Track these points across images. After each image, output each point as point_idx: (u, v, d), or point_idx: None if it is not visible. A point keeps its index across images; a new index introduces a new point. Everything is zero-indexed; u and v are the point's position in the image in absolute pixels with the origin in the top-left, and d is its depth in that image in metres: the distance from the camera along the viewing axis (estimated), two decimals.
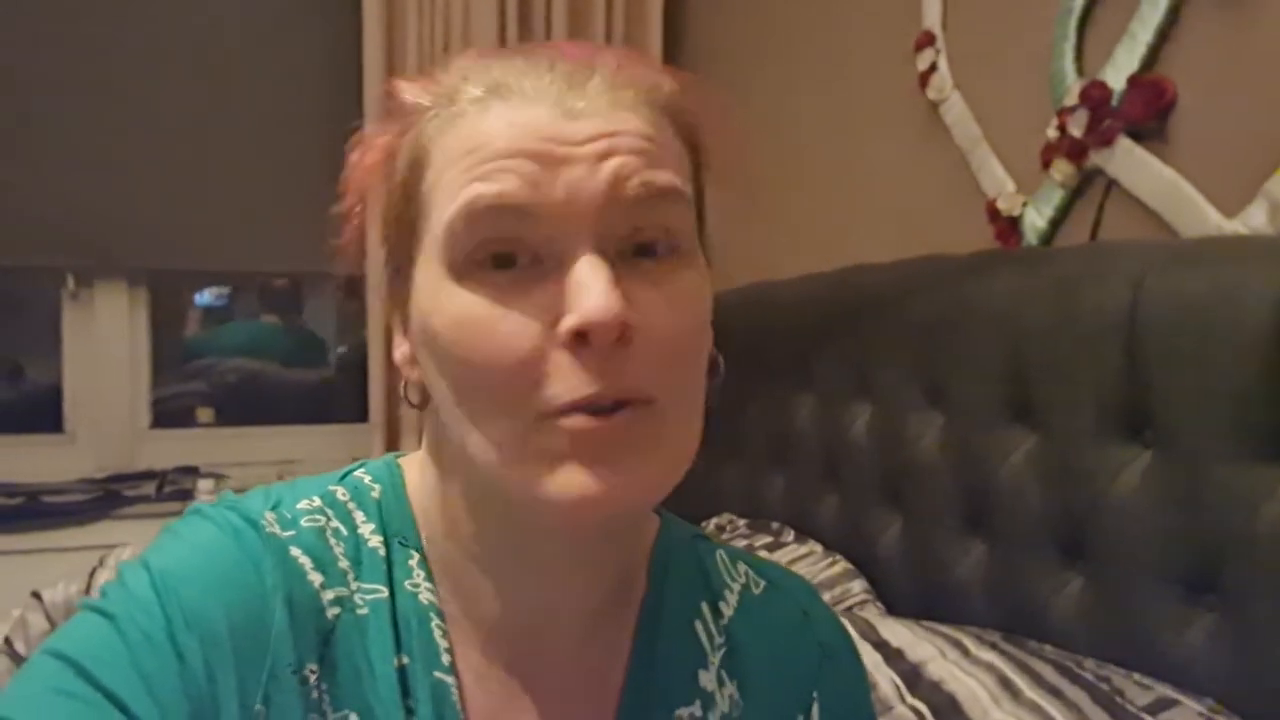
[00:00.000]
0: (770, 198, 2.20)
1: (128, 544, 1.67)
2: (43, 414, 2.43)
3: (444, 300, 0.55)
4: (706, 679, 0.67)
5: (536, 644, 0.64)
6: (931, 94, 1.71)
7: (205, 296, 2.82)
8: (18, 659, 1.37)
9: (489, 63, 0.59)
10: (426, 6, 2.33)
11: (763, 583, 0.73)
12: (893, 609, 1.47)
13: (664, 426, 0.55)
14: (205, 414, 2.66)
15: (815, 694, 0.70)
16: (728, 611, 0.70)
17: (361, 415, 2.50)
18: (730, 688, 0.67)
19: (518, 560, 0.62)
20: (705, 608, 0.69)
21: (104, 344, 2.41)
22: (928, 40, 1.72)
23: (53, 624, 1.40)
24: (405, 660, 0.61)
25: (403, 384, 0.64)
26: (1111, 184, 1.38)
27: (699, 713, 0.66)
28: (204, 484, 2.34)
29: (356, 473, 0.67)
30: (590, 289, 0.52)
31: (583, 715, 0.65)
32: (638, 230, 0.55)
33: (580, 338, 0.52)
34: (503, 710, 0.63)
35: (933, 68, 1.71)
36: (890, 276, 1.61)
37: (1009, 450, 1.32)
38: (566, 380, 0.53)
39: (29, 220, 2.27)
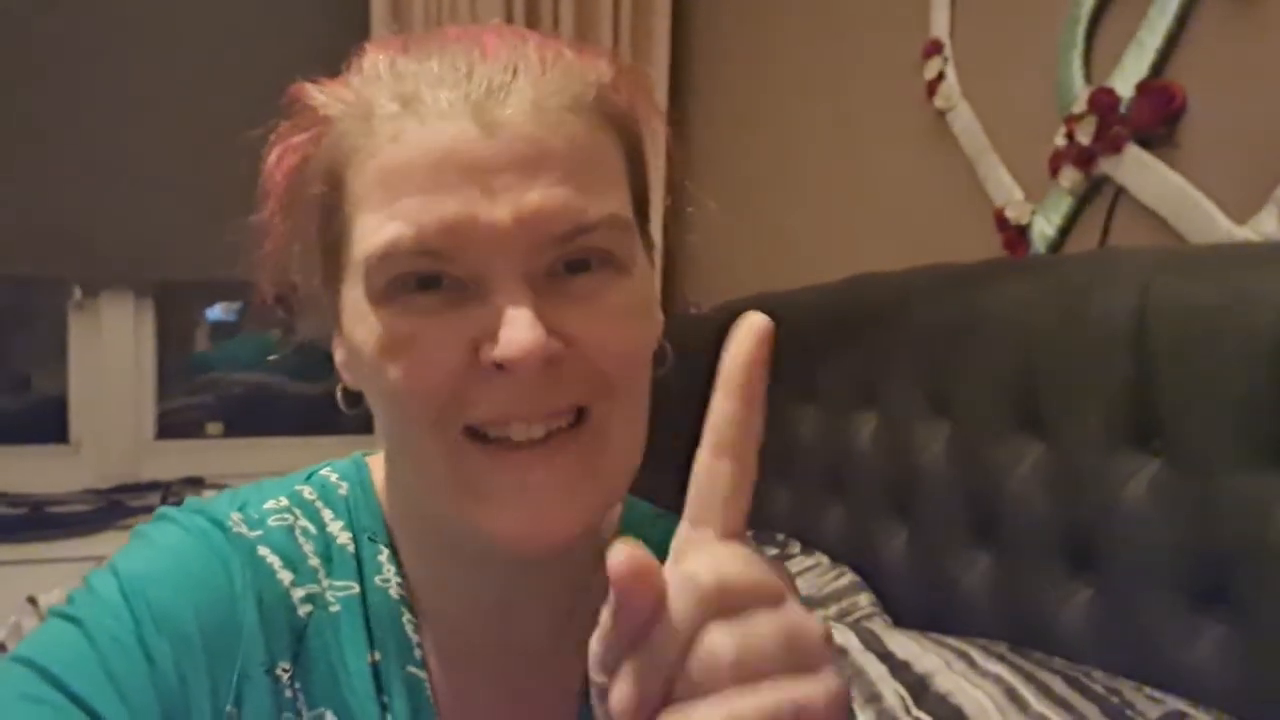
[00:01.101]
0: (776, 206, 2.20)
1: None
2: (48, 424, 2.43)
3: (369, 323, 0.54)
4: None
5: (505, 633, 0.64)
6: (939, 102, 1.70)
7: (215, 312, 2.82)
8: None
9: (404, 67, 0.56)
10: (433, 6, 2.33)
11: None
12: (900, 621, 1.46)
13: (605, 438, 0.55)
14: (215, 428, 2.66)
15: None
16: None
17: (366, 427, 2.49)
18: None
19: (475, 568, 0.61)
20: None
21: (110, 355, 2.41)
22: (935, 48, 1.71)
23: None
24: (378, 656, 0.61)
25: (339, 388, 0.63)
26: (1120, 191, 1.37)
27: None
28: (209, 495, 2.33)
29: (323, 471, 0.67)
30: (512, 326, 0.51)
31: (557, 701, 0.65)
32: (566, 255, 0.54)
33: (503, 367, 0.51)
34: (476, 701, 0.63)
35: (940, 76, 1.70)
36: (896, 285, 1.59)
37: (1016, 460, 1.31)
38: (485, 400, 0.53)
39: (36, 232, 2.28)
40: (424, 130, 0.53)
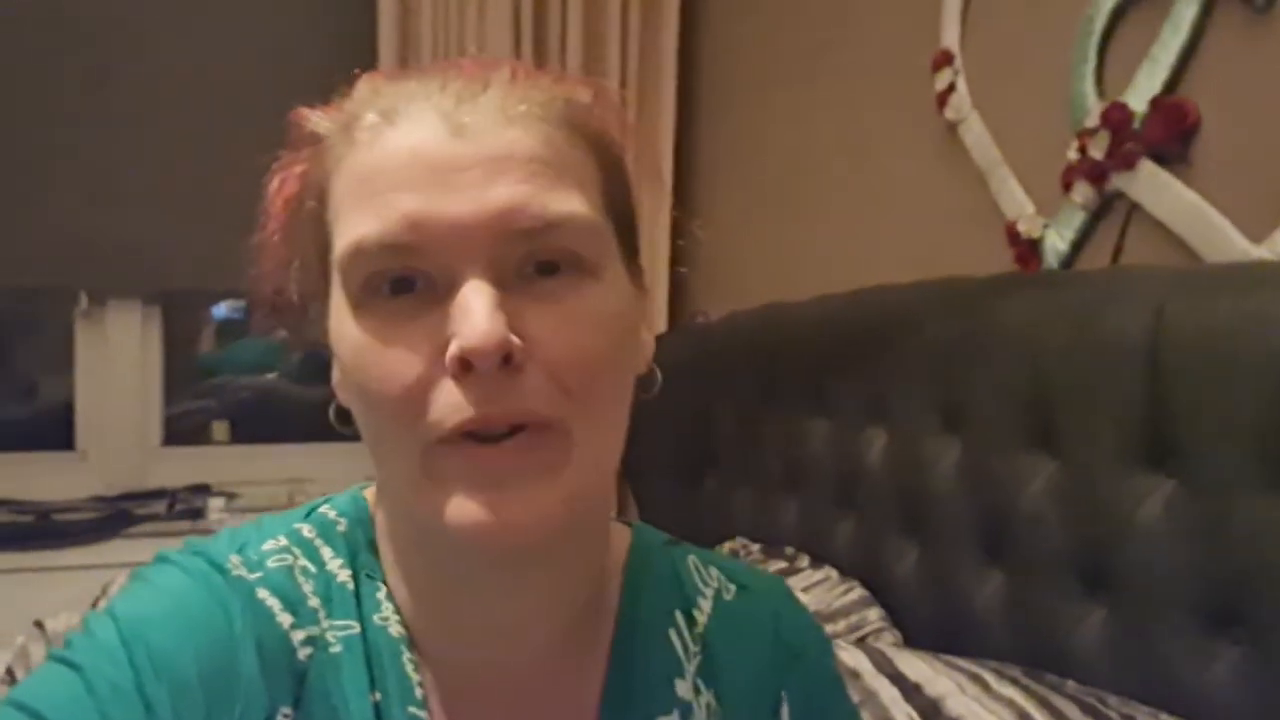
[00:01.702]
0: (786, 217, 2.19)
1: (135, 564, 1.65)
2: (54, 432, 2.43)
3: (346, 329, 0.56)
4: (683, 688, 0.66)
5: (507, 667, 0.63)
6: (950, 114, 1.69)
7: (221, 309, 2.82)
8: None
9: (385, 86, 0.59)
10: (440, 32, 2.33)
11: (734, 587, 0.72)
12: (909, 637, 1.45)
13: (569, 447, 0.54)
14: (220, 429, 2.66)
15: (783, 694, 0.69)
16: (702, 619, 0.69)
17: None
18: (707, 695, 0.67)
19: (462, 584, 0.61)
20: (679, 616, 0.69)
21: (116, 363, 2.41)
22: (946, 60, 1.70)
23: None
24: (379, 697, 0.60)
25: (332, 406, 0.63)
26: (1134, 207, 1.36)
27: None
28: (215, 502, 2.34)
29: (321, 508, 0.67)
30: (471, 316, 0.51)
31: None
32: (534, 254, 0.54)
33: (464, 364, 0.51)
34: None
35: (951, 88, 1.69)
36: (907, 298, 1.59)
37: (1028, 477, 1.30)
38: (451, 404, 0.52)
39: (42, 240, 2.28)
40: (396, 134, 0.55)
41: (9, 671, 1.37)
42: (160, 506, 2.30)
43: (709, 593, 0.70)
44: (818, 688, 0.72)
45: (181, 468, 2.45)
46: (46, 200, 2.27)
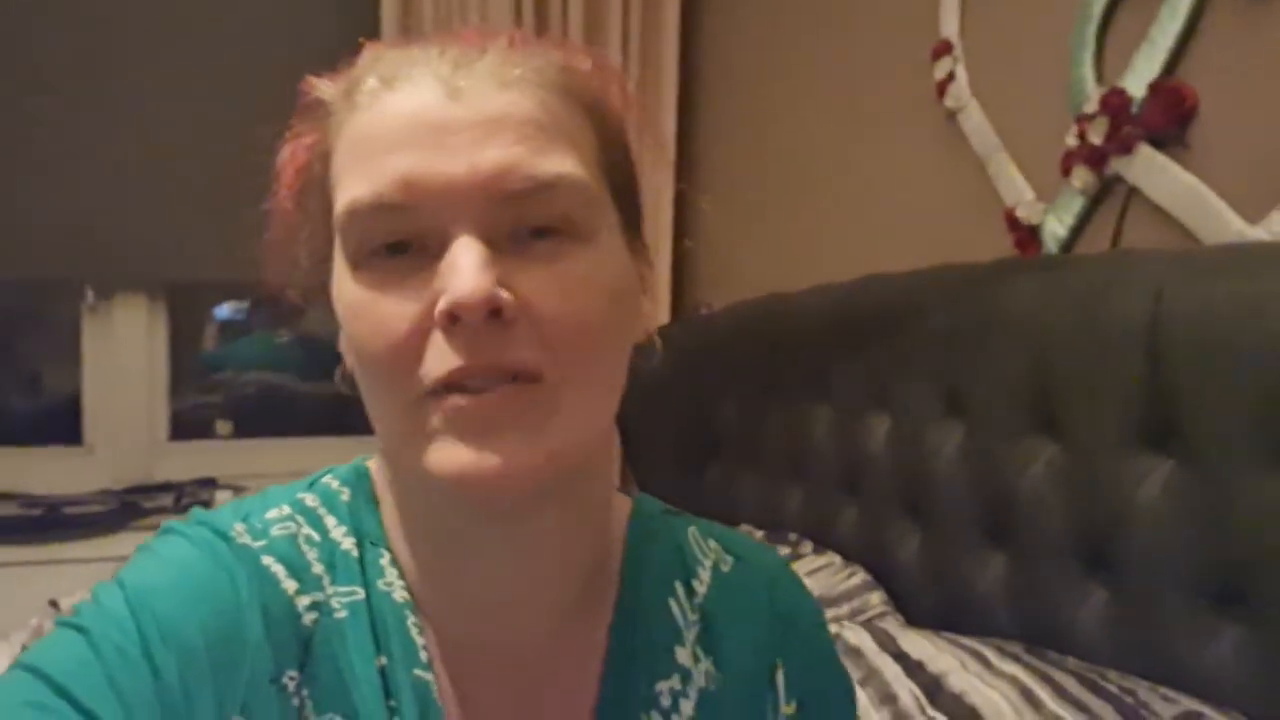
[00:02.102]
0: (786, 207, 2.20)
1: None
2: (61, 425, 2.44)
3: (344, 288, 0.57)
4: (683, 655, 0.68)
5: (508, 628, 0.64)
6: (949, 102, 1.70)
7: (224, 310, 2.83)
8: None
9: (386, 54, 0.60)
10: (443, 10, 2.34)
11: (731, 559, 0.73)
12: (913, 621, 1.46)
13: (556, 403, 0.55)
14: (224, 427, 2.67)
15: (779, 662, 0.71)
16: (701, 589, 0.70)
17: None
18: (706, 663, 0.68)
19: (462, 547, 0.61)
20: (679, 586, 0.70)
21: (123, 356, 2.42)
22: (945, 49, 1.71)
23: None
24: (384, 660, 0.61)
25: (339, 371, 0.64)
26: (1132, 191, 1.37)
27: (678, 686, 0.67)
28: (221, 496, 2.35)
29: (325, 479, 0.68)
30: (459, 270, 0.52)
31: (564, 698, 0.65)
32: (526, 217, 0.55)
33: (453, 318, 0.52)
34: (484, 701, 0.63)
35: (950, 76, 1.70)
36: (908, 286, 1.60)
37: (1030, 461, 1.31)
38: (439, 355, 0.53)
39: (49, 234, 2.29)
40: (394, 98, 0.56)
41: (25, 649, 1.37)
42: (167, 500, 2.31)
43: (707, 564, 0.72)
44: (813, 656, 0.73)
45: (188, 462, 2.47)
46: (53, 193, 2.28)
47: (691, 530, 0.73)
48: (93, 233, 2.31)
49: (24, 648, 1.38)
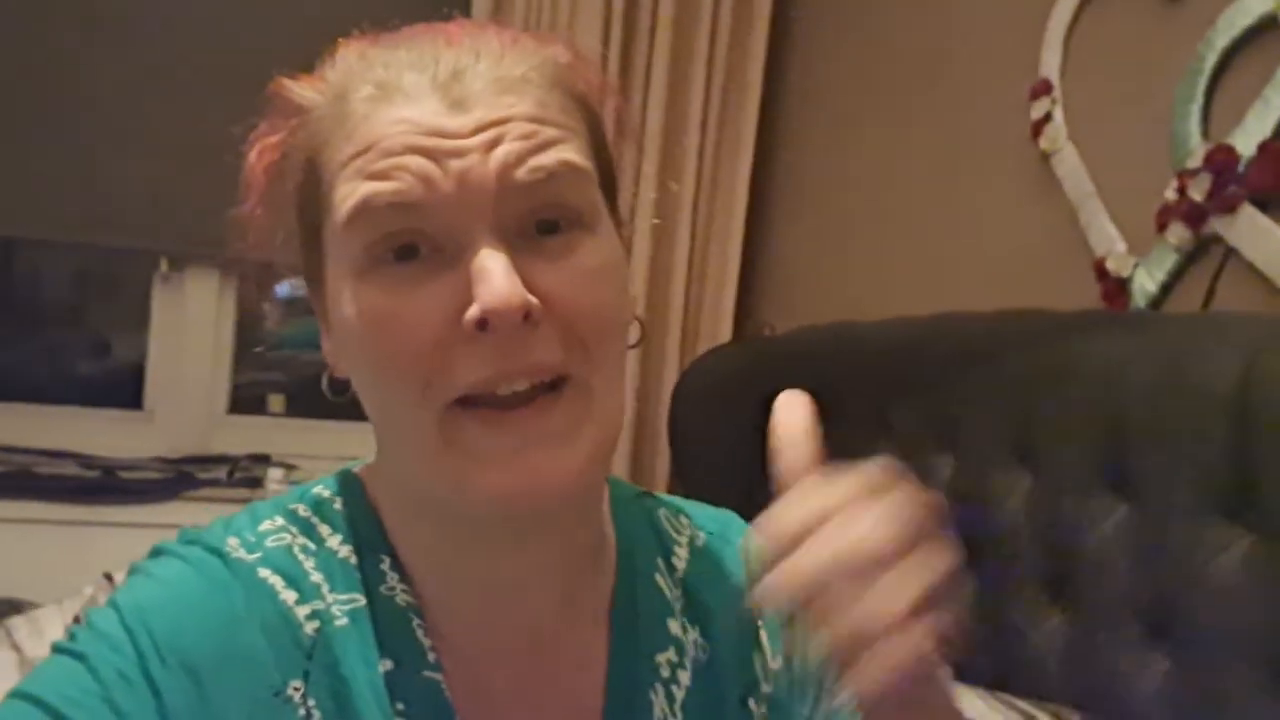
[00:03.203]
0: (866, 233, 2.16)
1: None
2: (123, 390, 2.48)
3: (352, 298, 0.56)
4: (675, 627, 0.69)
5: (514, 620, 0.64)
6: (1044, 144, 1.66)
7: (285, 287, 2.85)
8: None
9: (375, 56, 0.59)
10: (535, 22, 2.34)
11: (703, 535, 0.74)
12: (960, 673, 1.42)
13: (587, 403, 0.55)
14: (277, 402, 2.69)
15: (760, 624, 0.71)
16: (680, 565, 0.72)
17: None
18: (694, 633, 0.69)
19: (470, 548, 0.62)
20: (660, 562, 0.71)
21: (190, 328, 2.45)
22: (1044, 89, 1.67)
23: None
24: (390, 665, 0.61)
25: (325, 376, 0.65)
26: (1230, 252, 1.33)
27: (675, 658, 0.68)
28: (274, 473, 2.36)
29: (314, 489, 0.68)
30: (490, 278, 0.52)
31: (573, 679, 0.65)
32: (535, 210, 0.56)
33: (483, 325, 0.52)
34: (494, 698, 0.63)
35: (1047, 117, 1.66)
36: (987, 326, 1.56)
37: (1099, 519, 1.27)
38: (470, 363, 0.53)
39: (128, 203, 2.32)
40: (394, 108, 0.56)
41: (77, 619, 1.39)
42: (221, 472, 2.33)
43: (684, 540, 0.73)
44: None
45: (243, 436, 2.48)
46: (135, 164, 2.31)
47: (662, 511, 0.75)
48: (171, 204, 2.34)
49: (76, 618, 1.41)
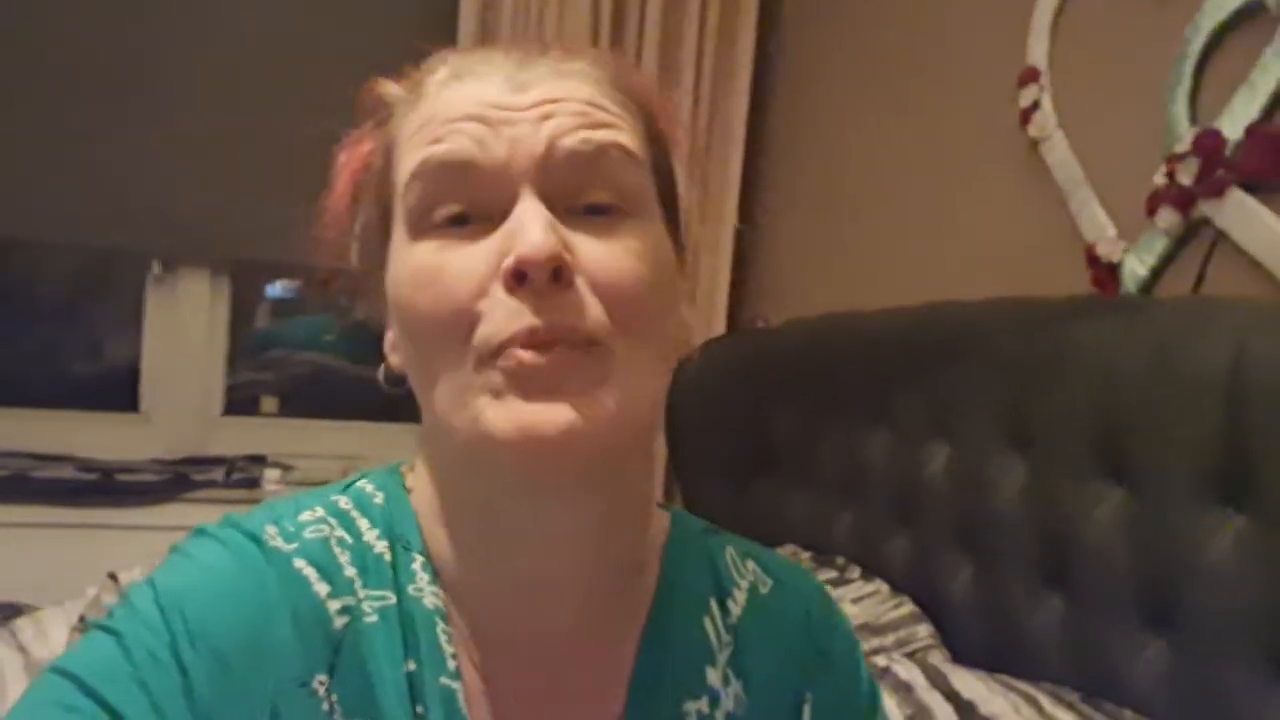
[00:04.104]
0: (858, 224, 2.17)
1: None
2: (118, 393, 2.47)
3: (405, 258, 0.58)
4: (714, 676, 0.67)
5: (542, 637, 0.64)
6: (1033, 132, 1.67)
7: (276, 288, 2.86)
8: None
9: (453, 56, 0.63)
10: (521, 5, 2.34)
11: (770, 582, 0.72)
12: (960, 657, 1.43)
13: (610, 369, 0.55)
14: (270, 403, 2.69)
15: (807, 694, 0.70)
16: (735, 610, 0.70)
17: None
18: (736, 686, 0.67)
19: (498, 534, 0.61)
20: (714, 605, 0.70)
21: (184, 329, 2.45)
22: (1032, 76, 1.68)
23: None
24: (413, 666, 0.61)
25: (382, 368, 0.66)
26: (1219, 236, 1.34)
27: (706, 709, 0.66)
28: (270, 473, 2.37)
29: (359, 482, 0.68)
30: (526, 228, 0.54)
31: (591, 707, 0.65)
32: (585, 189, 0.57)
33: (518, 276, 0.54)
34: (514, 703, 0.63)
35: (1035, 105, 1.67)
36: (980, 314, 1.57)
37: (1095, 504, 1.28)
38: (505, 315, 0.54)
39: (121, 205, 2.32)
40: (462, 87, 0.60)
41: (82, 619, 1.40)
42: (218, 473, 2.33)
43: (744, 585, 0.71)
44: (843, 696, 0.72)
45: (239, 437, 2.49)
46: (127, 165, 2.31)
47: (729, 550, 0.73)
48: (163, 205, 2.34)
49: (81, 618, 1.42)
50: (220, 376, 2.52)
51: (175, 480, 2.29)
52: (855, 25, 2.28)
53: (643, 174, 0.60)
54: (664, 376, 0.61)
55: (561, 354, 0.54)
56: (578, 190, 0.57)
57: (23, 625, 1.43)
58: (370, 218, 0.64)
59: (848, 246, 2.18)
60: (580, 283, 0.55)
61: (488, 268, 0.55)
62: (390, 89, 0.64)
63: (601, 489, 0.60)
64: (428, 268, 0.57)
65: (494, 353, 0.54)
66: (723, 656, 0.68)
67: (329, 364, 2.81)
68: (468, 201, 0.57)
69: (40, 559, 2.06)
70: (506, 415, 0.53)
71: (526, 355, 0.53)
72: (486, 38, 2.33)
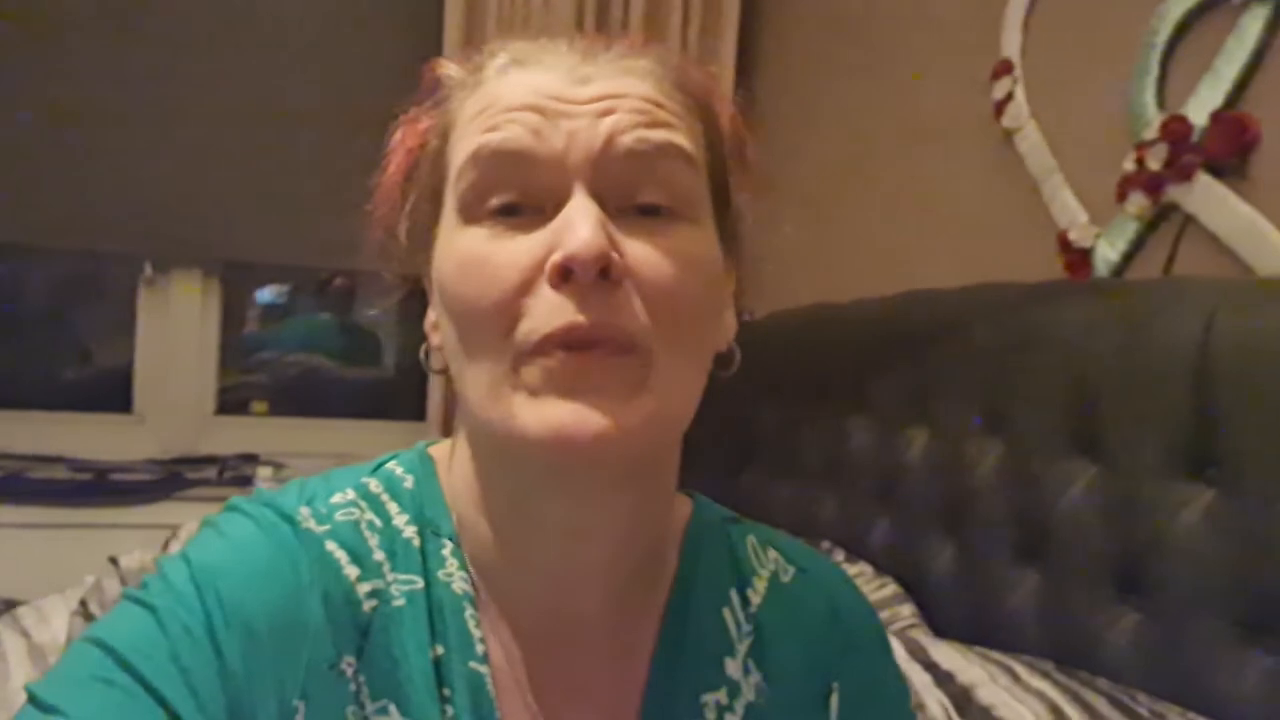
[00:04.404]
0: (837, 217, 2.20)
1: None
2: (110, 395, 2.49)
3: (453, 243, 0.58)
4: (733, 667, 0.67)
5: (565, 627, 0.64)
6: (1007, 122, 1.70)
7: (266, 294, 2.88)
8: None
9: (514, 41, 0.63)
10: (505, 13, 2.37)
11: (792, 570, 0.72)
12: (942, 634, 1.46)
13: (648, 374, 0.55)
14: (260, 406, 2.71)
15: (835, 684, 0.69)
16: (756, 600, 0.69)
17: (417, 414, 2.55)
18: (756, 676, 0.67)
19: (531, 524, 0.62)
20: (734, 595, 0.69)
21: (176, 330, 2.47)
22: (1005, 69, 1.71)
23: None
24: (440, 651, 0.61)
25: (423, 348, 0.66)
26: (1188, 220, 1.37)
27: (725, 700, 0.66)
28: (263, 471, 2.39)
29: (389, 464, 0.68)
30: (575, 225, 0.53)
31: (611, 699, 0.65)
32: (639, 188, 0.57)
33: (565, 273, 0.53)
34: (534, 696, 0.63)
35: (1009, 96, 1.70)
36: (956, 301, 1.60)
37: (1069, 481, 1.31)
38: (550, 310, 0.54)
39: (112, 208, 2.34)
40: (523, 74, 0.59)
41: (83, 603, 1.42)
42: (211, 472, 2.36)
43: (765, 574, 0.71)
44: (873, 683, 0.72)
45: (232, 436, 2.51)
46: (118, 169, 2.32)
47: (750, 538, 0.73)
48: (154, 208, 2.36)
49: (82, 602, 1.44)
50: (213, 376, 2.54)
51: (169, 479, 2.31)
52: (831, 21, 2.31)
53: (697, 177, 0.60)
54: (702, 377, 0.61)
55: (600, 357, 0.54)
56: (631, 189, 0.57)
57: (25, 612, 1.46)
58: (422, 196, 0.64)
59: (829, 239, 2.21)
60: (626, 283, 0.55)
61: (534, 261, 0.55)
62: (450, 69, 0.64)
63: (633, 485, 0.61)
64: (476, 256, 0.56)
65: (534, 349, 0.54)
66: (742, 647, 0.67)
67: (319, 365, 2.83)
68: (520, 191, 0.57)
69: (37, 558, 2.08)
70: (541, 416, 0.53)
71: (566, 356, 0.53)
72: (473, 32, 2.35)
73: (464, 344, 0.58)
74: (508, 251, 0.56)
